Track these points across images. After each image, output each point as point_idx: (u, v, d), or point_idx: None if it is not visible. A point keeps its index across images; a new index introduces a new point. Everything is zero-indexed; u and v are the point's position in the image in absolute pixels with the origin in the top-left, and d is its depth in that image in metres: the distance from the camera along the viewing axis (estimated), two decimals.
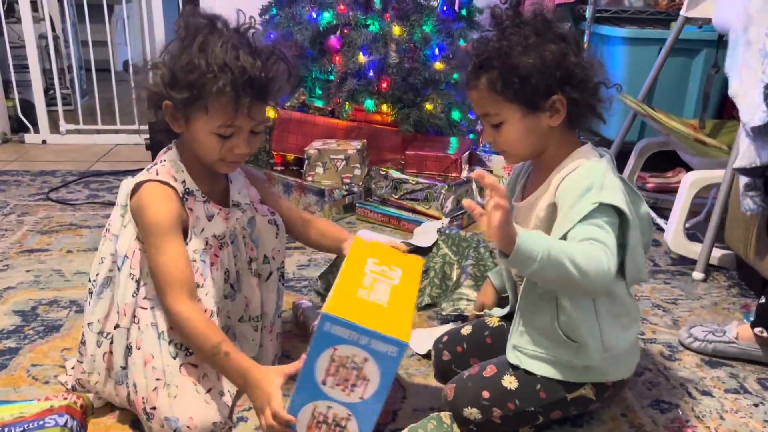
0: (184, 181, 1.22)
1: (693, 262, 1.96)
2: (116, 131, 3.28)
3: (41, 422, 1.10)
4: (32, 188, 2.61)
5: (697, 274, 1.93)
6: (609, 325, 1.14)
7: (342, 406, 1.01)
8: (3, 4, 3.23)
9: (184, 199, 1.21)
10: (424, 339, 1.50)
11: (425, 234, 1.82)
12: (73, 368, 1.36)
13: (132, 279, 1.22)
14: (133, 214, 1.22)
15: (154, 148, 2.18)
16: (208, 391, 1.19)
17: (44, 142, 3.27)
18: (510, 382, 1.16)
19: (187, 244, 1.21)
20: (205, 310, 1.21)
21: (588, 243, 1.02)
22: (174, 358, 1.20)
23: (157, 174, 1.20)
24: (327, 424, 1.03)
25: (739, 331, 1.49)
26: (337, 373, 1.00)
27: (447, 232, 1.73)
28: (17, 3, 3.16)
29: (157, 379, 1.18)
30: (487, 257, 1.64)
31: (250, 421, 1.27)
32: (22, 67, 3.26)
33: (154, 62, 1.19)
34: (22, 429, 1.08)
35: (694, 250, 1.99)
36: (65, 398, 1.18)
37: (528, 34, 1.09)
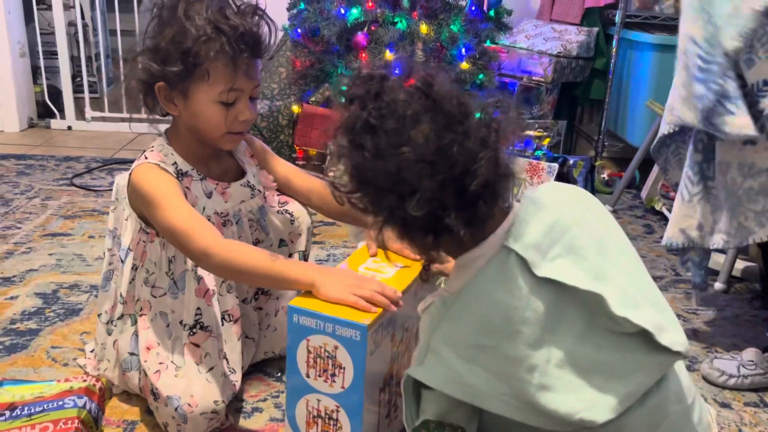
0: (175, 163, 1.20)
1: (715, 272, 1.93)
2: (140, 120, 3.29)
3: (60, 403, 1.11)
4: (57, 173, 2.63)
5: (719, 285, 1.91)
6: None
7: (329, 398, 1.02)
8: None
9: (179, 179, 1.19)
10: None
11: None
12: (92, 351, 1.38)
13: (134, 270, 1.24)
14: (131, 200, 1.22)
15: None
16: (210, 370, 1.20)
17: (70, 128, 3.30)
18: None
19: None
20: (207, 290, 1.22)
21: None
22: (177, 339, 1.22)
23: (146, 159, 1.19)
24: (321, 417, 1.04)
25: None
26: (316, 364, 1.01)
27: None
28: None
29: (160, 363, 1.20)
30: None
31: (264, 412, 1.28)
32: (51, 54, 3.30)
33: (138, 50, 1.17)
34: (41, 408, 1.10)
35: (716, 260, 1.96)
36: (84, 380, 1.19)
37: None
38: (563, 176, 2.13)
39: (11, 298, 1.66)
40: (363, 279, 1.06)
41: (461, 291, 0.83)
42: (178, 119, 1.21)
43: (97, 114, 3.32)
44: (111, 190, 2.43)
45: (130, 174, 1.21)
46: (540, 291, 0.79)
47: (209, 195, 1.25)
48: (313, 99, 2.60)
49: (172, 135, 1.25)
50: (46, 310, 1.61)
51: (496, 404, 0.81)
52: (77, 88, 3.34)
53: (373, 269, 1.12)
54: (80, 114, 3.32)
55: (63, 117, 3.31)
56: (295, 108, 2.59)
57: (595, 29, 2.91)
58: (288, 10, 2.66)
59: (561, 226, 0.83)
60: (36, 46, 3.28)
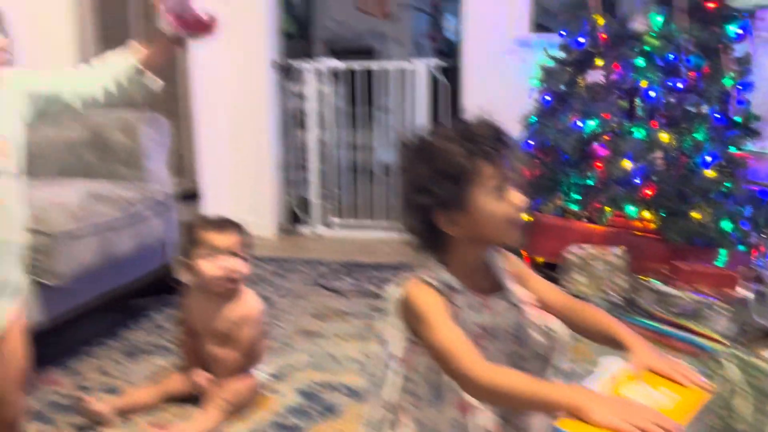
0: (442, 278, 1.26)
1: None
2: (375, 227, 3.56)
3: None
4: (307, 276, 2.90)
5: None
6: None
7: None
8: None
9: (446, 294, 1.24)
10: None
11: None
12: None
13: (400, 378, 1.30)
14: (401, 312, 1.30)
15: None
16: None
17: (315, 234, 3.65)
18: None
19: None
20: (467, 404, 1.22)
21: None
22: None
23: (417, 274, 1.26)
24: None
25: None
26: None
27: (739, 354, 1.57)
28: (302, 113, 3.66)
29: None
30: None
31: None
32: (302, 167, 3.73)
33: (404, 194, 1.27)
34: None
35: None
36: None
37: None
38: None
39: (276, 392, 1.83)
40: (636, 406, 1.01)
41: None
42: (452, 236, 1.30)
43: (339, 221, 3.64)
44: (354, 292, 2.64)
45: (403, 287, 1.31)
46: None
47: (473, 308, 1.30)
48: (543, 208, 2.63)
49: (439, 250, 1.34)
50: (306, 407, 1.75)
51: None
52: (322, 198, 3.70)
53: (638, 394, 1.07)
54: (324, 221, 3.66)
55: (310, 224, 3.67)
56: (526, 217, 2.64)
57: None
58: (519, 123, 2.76)
59: None
60: (290, 160, 3.73)
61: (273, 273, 2.93)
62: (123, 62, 1.29)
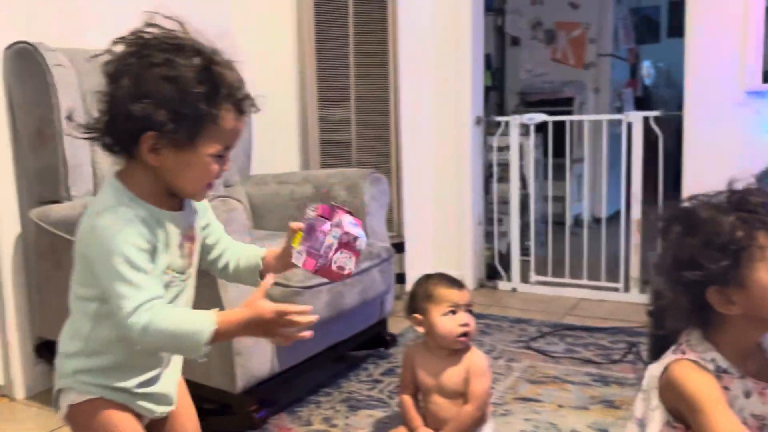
0: (713, 359, 1.18)
1: None
2: (580, 286, 3.41)
3: None
4: (512, 335, 2.82)
5: None
6: None
7: None
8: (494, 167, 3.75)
9: (718, 377, 1.16)
10: None
11: None
12: None
13: None
14: (663, 393, 1.21)
15: (655, 317, 2.14)
16: None
17: (514, 290, 3.57)
18: None
19: None
20: None
21: None
22: None
23: (684, 355, 1.19)
24: None
25: None
26: None
27: None
28: (499, 166, 3.63)
29: None
30: None
31: None
32: (499, 221, 3.69)
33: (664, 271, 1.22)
34: None
35: None
36: None
37: None
38: None
39: None
40: None
41: None
42: (725, 315, 1.19)
43: (540, 278, 3.53)
44: (567, 357, 2.52)
45: (665, 366, 1.22)
46: None
47: (747, 395, 1.19)
48: None
49: (707, 329, 1.23)
50: None
51: None
52: (522, 252, 3.63)
53: None
54: (524, 276, 3.57)
55: (509, 279, 3.60)
56: None
57: None
58: (757, 179, 2.52)
59: None
60: (491, 213, 3.71)
61: (480, 331, 2.88)
62: (251, 252, 1.32)
